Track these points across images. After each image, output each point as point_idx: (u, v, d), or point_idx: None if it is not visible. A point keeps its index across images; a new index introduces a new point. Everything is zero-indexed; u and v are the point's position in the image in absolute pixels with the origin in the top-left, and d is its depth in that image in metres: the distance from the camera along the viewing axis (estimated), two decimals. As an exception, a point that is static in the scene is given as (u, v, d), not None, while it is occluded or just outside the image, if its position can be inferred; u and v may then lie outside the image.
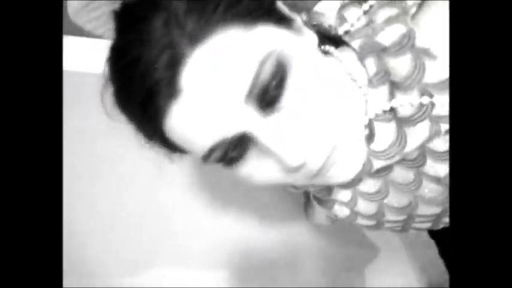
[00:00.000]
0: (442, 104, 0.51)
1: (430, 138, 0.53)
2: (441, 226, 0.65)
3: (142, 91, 0.45)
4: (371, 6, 0.55)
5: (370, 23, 0.54)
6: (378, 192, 0.59)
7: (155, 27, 0.45)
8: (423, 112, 0.51)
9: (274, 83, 0.46)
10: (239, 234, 1.12)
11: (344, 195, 0.62)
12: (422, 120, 0.52)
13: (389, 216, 0.62)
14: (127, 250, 1.10)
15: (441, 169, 0.55)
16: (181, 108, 0.45)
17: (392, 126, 0.53)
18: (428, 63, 0.51)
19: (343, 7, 0.56)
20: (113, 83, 0.50)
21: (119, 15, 0.49)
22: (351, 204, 0.62)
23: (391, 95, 0.52)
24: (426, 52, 0.51)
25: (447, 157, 0.54)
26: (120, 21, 0.49)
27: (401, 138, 0.53)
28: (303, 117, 0.48)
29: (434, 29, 0.52)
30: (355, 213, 0.64)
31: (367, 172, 0.55)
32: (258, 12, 0.47)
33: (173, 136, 0.48)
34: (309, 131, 0.48)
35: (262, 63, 0.45)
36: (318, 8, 0.56)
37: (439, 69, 0.51)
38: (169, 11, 0.44)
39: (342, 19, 0.55)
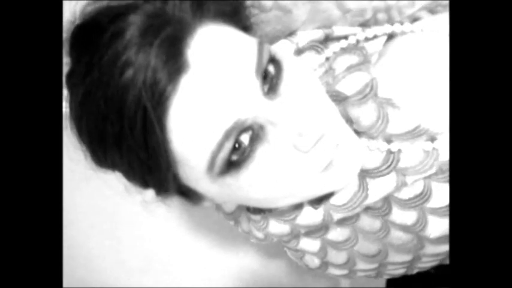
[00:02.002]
0: (407, 155, 0.50)
1: (395, 191, 0.52)
2: (416, 271, 0.63)
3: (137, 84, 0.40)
4: (334, 53, 0.54)
5: (329, 70, 0.53)
6: (346, 240, 0.58)
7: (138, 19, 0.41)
8: (389, 164, 0.50)
9: (273, 67, 0.44)
10: (242, 263, 1.10)
11: (313, 245, 0.60)
12: (388, 173, 0.51)
13: (361, 265, 0.61)
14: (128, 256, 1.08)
15: (408, 217, 0.53)
16: (190, 84, 0.41)
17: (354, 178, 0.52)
18: (391, 113, 0.50)
19: (298, 52, 0.55)
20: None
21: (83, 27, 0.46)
22: (321, 254, 0.60)
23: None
24: (389, 102, 0.50)
25: (413, 204, 0.52)
26: (83, 34, 0.46)
27: (362, 191, 0.51)
28: (304, 102, 0.45)
29: (397, 78, 0.51)
30: (325, 264, 0.62)
31: (327, 224, 0.53)
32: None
33: (179, 132, 0.42)
34: (314, 116, 0.45)
35: (261, 46, 0.44)
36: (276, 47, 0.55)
37: (402, 119, 0.50)
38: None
39: None
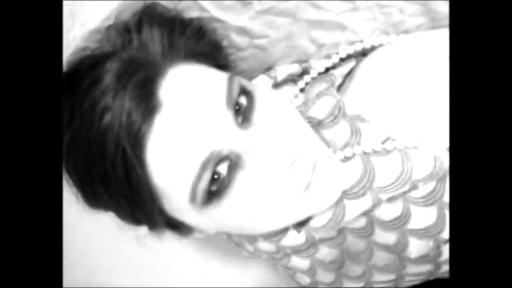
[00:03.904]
0: (381, 171, 0.52)
1: (372, 209, 0.53)
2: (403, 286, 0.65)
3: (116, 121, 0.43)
4: (307, 83, 0.56)
5: (306, 101, 0.55)
6: (334, 261, 0.60)
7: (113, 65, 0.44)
8: (364, 185, 0.52)
9: (245, 98, 0.46)
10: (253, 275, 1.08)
11: (302, 264, 0.62)
12: (363, 194, 0.52)
13: (348, 284, 0.63)
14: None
15: (389, 237, 0.55)
16: (164, 122, 0.43)
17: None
18: (362, 127, 0.52)
19: (277, 86, 0.57)
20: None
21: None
22: (311, 273, 0.63)
23: None
24: (358, 118, 0.52)
25: (393, 226, 0.54)
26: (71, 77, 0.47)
27: (339, 211, 0.53)
28: (278, 127, 0.47)
29: (361, 94, 0.53)
30: (315, 282, 0.64)
31: (311, 244, 0.56)
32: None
33: (158, 168, 0.44)
34: (289, 140, 0.46)
35: (231, 80, 0.46)
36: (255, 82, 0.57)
37: (374, 131, 0.52)
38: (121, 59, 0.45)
39: None
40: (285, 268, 0.66)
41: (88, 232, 1.03)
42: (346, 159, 0.53)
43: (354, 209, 0.53)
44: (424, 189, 0.53)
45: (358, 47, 0.54)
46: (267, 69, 0.57)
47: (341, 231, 0.57)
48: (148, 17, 0.47)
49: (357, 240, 0.57)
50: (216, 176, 0.45)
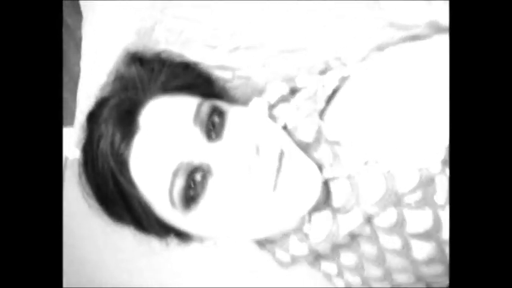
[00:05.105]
0: (366, 191, 0.54)
1: (366, 222, 0.56)
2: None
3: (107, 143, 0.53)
4: (300, 102, 0.60)
5: (296, 123, 0.59)
6: (356, 266, 0.63)
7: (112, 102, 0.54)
8: (351, 204, 0.55)
9: (217, 117, 0.53)
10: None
11: (331, 268, 0.65)
12: (351, 209, 0.55)
13: (376, 285, 0.64)
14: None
15: (394, 242, 0.57)
16: (141, 141, 0.52)
17: (327, 214, 0.57)
18: (341, 152, 0.55)
19: (272, 106, 0.61)
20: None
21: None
22: (340, 276, 0.66)
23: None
24: (337, 143, 0.55)
25: (395, 231, 0.56)
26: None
27: (335, 226, 0.56)
28: (242, 142, 0.51)
29: (339, 119, 0.56)
30: (348, 283, 0.67)
31: (316, 254, 0.60)
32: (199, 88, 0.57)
33: (140, 179, 0.52)
34: (248, 148, 0.51)
35: (201, 104, 0.53)
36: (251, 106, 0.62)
37: (353, 156, 0.55)
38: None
39: (273, 118, 0.60)
40: (322, 272, 0.70)
41: (90, 232, 1.01)
42: (334, 179, 0.56)
43: (346, 224, 0.56)
44: (414, 196, 0.54)
45: (342, 72, 0.57)
46: (260, 92, 0.62)
47: (354, 239, 0.60)
48: (133, 63, 0.58)
49: (370, 246, 0.59)
50: (192, 184, 0.52)
